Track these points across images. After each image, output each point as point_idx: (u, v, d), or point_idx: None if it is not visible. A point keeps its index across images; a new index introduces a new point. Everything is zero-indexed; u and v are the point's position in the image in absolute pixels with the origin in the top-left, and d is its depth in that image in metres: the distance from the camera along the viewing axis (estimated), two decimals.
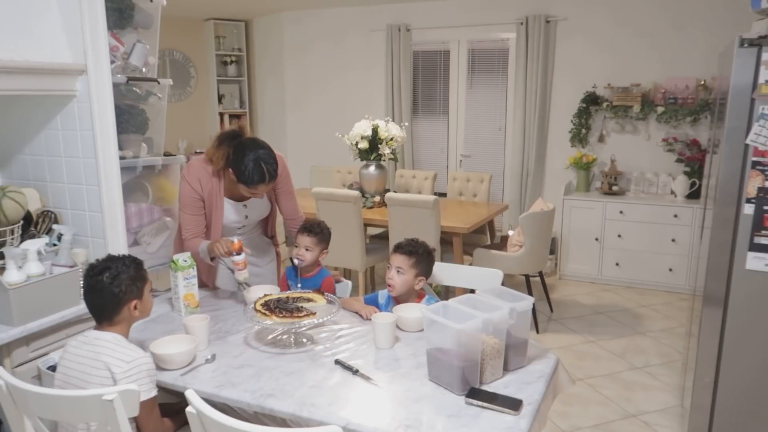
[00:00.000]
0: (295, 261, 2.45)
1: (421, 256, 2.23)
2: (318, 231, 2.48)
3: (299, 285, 2.40)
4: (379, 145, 4.49)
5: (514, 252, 3.98)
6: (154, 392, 1.63)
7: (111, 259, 1.74)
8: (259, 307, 1.96)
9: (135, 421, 1.62)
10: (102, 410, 1.47)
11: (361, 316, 2.22)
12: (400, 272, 2.22)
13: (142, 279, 1.75)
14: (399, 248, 2.27)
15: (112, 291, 1.67)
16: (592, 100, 5.17)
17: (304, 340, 1.99)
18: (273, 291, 2.29)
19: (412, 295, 2.27)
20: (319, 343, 1.97)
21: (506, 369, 1.74)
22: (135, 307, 1.72)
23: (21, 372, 1.98)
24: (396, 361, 1.85)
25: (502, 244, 4.33)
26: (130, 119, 2.57)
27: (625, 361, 3.59)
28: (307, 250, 2.45)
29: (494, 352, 1.67)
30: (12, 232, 2.19)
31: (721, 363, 2.37)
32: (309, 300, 2.06)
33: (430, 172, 5.12)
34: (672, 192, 4.94)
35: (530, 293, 3.93)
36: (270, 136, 7.14)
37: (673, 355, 3.68)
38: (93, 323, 1.73)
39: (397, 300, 2.26)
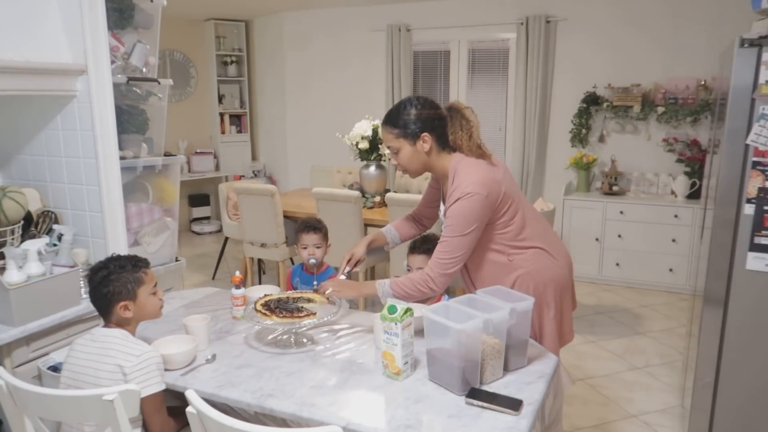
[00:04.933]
0: (311, 261, 2.48)
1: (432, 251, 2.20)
2: (321, 227, 2.57)
3: (315, 282, 2.41)
4: (380, 145, 4.49)
5: None
6: (163, 385, 1.66)
7: (110, 260, 1.78)
8: (259, 308, 1.96)
9: (142, 415, 1.63)
10: (102, 410, 1.47)
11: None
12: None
13: (136, 281, 1.75)
14: (415, 249, 2.28)
15: (101, 291, 1.71)
16: (592, 100, 5.17)
17: (305, 340, 1.99)
18: (273, 291, 2.29)
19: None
20: (319, 343, 1.97)
21: (506, 369, 1.74)
22: (126, 308, 1.73)
23: (21, 372, 1.98)
24: None
25: None
26: (130, 119, 2.57)
27: (626, 362, 3.59)
28: (317, 247, 2.51)
29: (494, 352, 1.67)
30: (12, 232, 2.19)
31: (722, 363, 2.36)
32: (309, 300, 2.06)
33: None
34: (672, 192, 4.94)
35: None
36: (270, 136, 7.15)
37: (673, 355, 3.68)
38: (92, 324, 1.75)
39: None
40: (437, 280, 1.93)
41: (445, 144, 2.00)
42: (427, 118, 1.95)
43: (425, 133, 1.95)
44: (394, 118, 1.98)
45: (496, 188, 1.92)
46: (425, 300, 2.22)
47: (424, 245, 2.27)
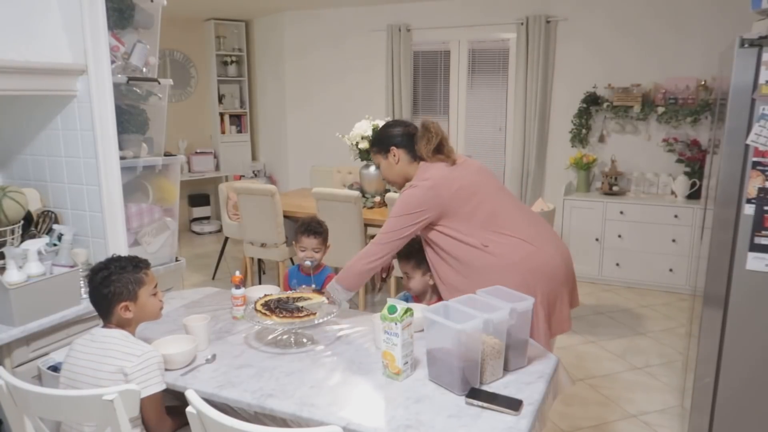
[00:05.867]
0: (307, 263, 2.47)
1: (418, 254, 2.26)
2: (321, 231, 2.55)
3: (313, 285, 2.40)
4: None
5: None
6: (164, 385, 1.66)
7: (111, 260, 1.77)
8: (259, 308, 1.96)
9: (142, 415, 1.63)
10: (102, 410, 1.47)
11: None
12: (410, 277, 2.29)
13: (137, 282, 1.75)
14: (398, 256, 2.31)
15: (102, 292, 1.71)
16: (592, 101, 5.17)
17: (305, 340, 1.99)
18: (273, 291, 2.29)
19: (433, 295, 2.31)
20: (319, 343, 1.97)
21: (506, 369, 1.74)
22: (127, 309, 1.73)
23: (21, 372, 1.98)
24: None
25: None
26: (130, 119, 2.57)
27: (625, 362, 3.59)
28: (316, 251, 2.49)
29: (494, 352, 1.67)
30: (12, 232, 2.19)
31: (721, 363, 2.36)
32: (309, 299, 2.06)
33: None
34: (672, 192, 4.94)
35: None
36: (270, 136, 7.15)
37: (673, 355, 3.68)
38: (92, 324, 1.75)
39: (417, 299, 2.33)
40: (371, 248, 2.15)
41: (414, 155, 2.24)
42: (393, 135, 2.26)
43: (392, 147, 2.24)
44: (373, 139, 2.39)
45: (447, 183, 2.11)
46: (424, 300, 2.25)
47: (404, 252, 2.30)
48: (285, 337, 2.00)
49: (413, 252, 2.27)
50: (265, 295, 2.09)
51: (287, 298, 2.06)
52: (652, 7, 4.95)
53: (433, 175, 2.14)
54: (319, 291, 2.21)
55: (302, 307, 1.98)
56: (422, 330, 1.84)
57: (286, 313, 1.92)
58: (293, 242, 2.60)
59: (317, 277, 2.50)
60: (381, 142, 2.29)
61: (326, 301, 2.10)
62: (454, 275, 2.12)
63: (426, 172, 2.16)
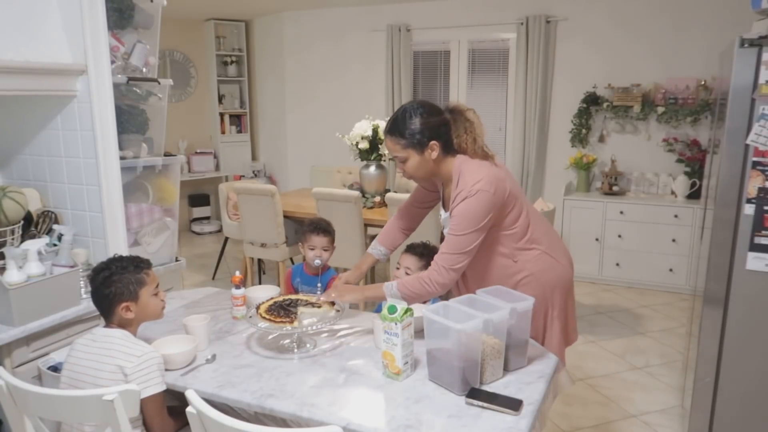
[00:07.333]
0: (317, 261, 2.46)
1: (430, 259, 2.18)
2: (331, 230, 2.56)
3: (319, 285, 2.37)
4: (380, 145, 4.49)
5: None
6: (164, 386, 1.66)
7: (112, 260, 1.78)
8: (261, 311, 1.95)
9: (143, 415, 1.64)
10: (102, 410, 1.47)
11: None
12: (408, 273, 2.24)
13: (139, 282, 1.75)
14: (411, 249, 2.30)
15: (103, 292, 1.71)
16: (592, 101, 5.17)
17: (306, 341, 1.98)
18: (273, 291, 2.29)
19: None
20: (319, 344, 1.97)
21: (506, 369, 1.74)
22: (128, 309, 1.73)
23: (21, 372, 1.99)
24: None
25: None
26: (130, 119, 2.57)
27: (626, 362, 3.59)
28: (325, 250, 2.49)
29: (494, 352, 1.67)
30: (12, 232, 2.19)
31: (721, 363, 2.37)
32: (315, 307, 2.02)
33: None
34: (672, 192, 4.94)
35: None
36: (270, 136, 7.15)
37: (673, 355, 3.68)
38: (93, 323, 1.75)
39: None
40: (443, 276, 1.89)
41: (450, 148, 1.96)
42: (433, 126, 1.92)
43: (433, 141, 1.92)
44: (400, 128, 1.94)
45: (502, 186, 1.90)
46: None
47: (419, 248, 2.29)
48: (287, 342, 1.98)
49: (426, 254, 2.22)
50: (281, 296, 2.09)
51: (295, 300, 2.03)
52: (652, 7, 4.95)
53: (488, 177, 1.86)
54: (332, 303, 2.06)
55: (293, 312, 1.94)
56: (422, 330, 1.81)
57: (273, 315, 1.90)
58: (300, 242, 2.59)
59: (322, 277, 2.50)
60: (417, 133, 1.91)
61: (332, 313, 1.98)
62: (470, 281, 2.05)
63: (478, 172, 1.88)
